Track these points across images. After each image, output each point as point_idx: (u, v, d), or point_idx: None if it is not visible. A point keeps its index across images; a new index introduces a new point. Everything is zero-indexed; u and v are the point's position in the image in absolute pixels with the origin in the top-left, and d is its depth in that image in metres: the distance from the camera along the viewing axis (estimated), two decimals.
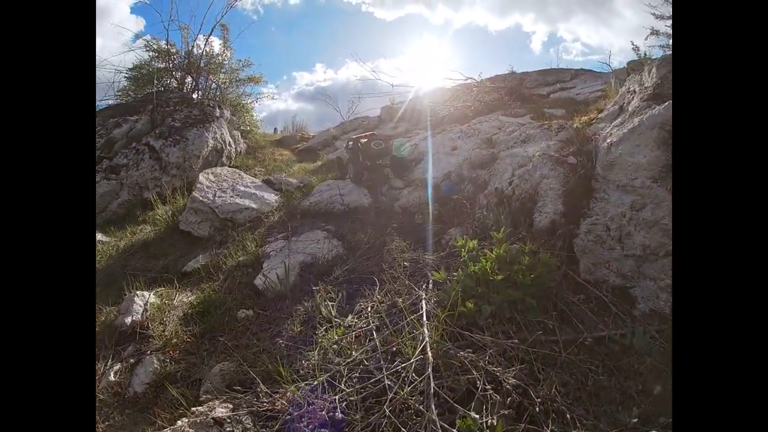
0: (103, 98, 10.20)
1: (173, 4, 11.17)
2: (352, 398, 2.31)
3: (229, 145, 8.86)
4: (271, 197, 6.02)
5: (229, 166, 8.66)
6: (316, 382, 2.43)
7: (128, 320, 3.68)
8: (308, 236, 4.69)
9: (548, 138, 5.49)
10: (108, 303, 4.29)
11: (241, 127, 10.50)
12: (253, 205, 5.65)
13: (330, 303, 3.36)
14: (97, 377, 3.34)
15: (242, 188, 6.08)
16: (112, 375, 3.29)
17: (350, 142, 6.87)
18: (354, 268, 3.98)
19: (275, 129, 15.41)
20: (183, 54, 10.67)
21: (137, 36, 10.94)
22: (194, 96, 10.27)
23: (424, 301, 3.15)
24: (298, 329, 3.19)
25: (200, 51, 10.60)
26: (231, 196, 5.78)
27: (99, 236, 6.31)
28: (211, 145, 8.23)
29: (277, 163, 9.49)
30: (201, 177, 6.04)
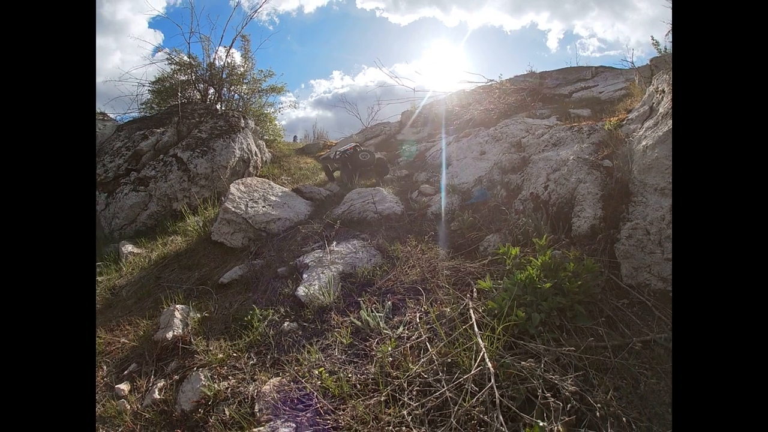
0: (128, 111, 10.35)
1: (194, 16, 11.29)
2: (416, 412, 2.30)
3: (255, 154, 8.92)
4: (303, 206, 6.04)
5: (257, 176, 8.74)
6: (381, 398, 2.42)
7: (169, 335, 3.68)
8: (345, 246, 4.69)
9: (580, 141, 5.46)
10: (145, 316, 4.32)
11: (265, 137, 10.59)
12: (286, 215, 5.67)
13: (377, 314, 3.35)
14: (140, 394, 3.34)
15: (273, 198, 6.10)
16: (156, 392, 3.25)
17: (337, 154, 7.97)
18: (396, 277, 3.96)
19: (295, 137, 15.54)
20: (205, 66, 10.80)
21: (158, 49, 11.02)
22: (218, 107, 10.36)
23: (472, 311, 3.13)
24: (348, 341, 3.17)
25: (222, 62, 10.76)
26: (263, 206, 5.80)
27: (130, 247, 6.37)
28: (237, 155, 8.29)
29: (303, 171, 9.54)
30: (232, 188, 6.07)
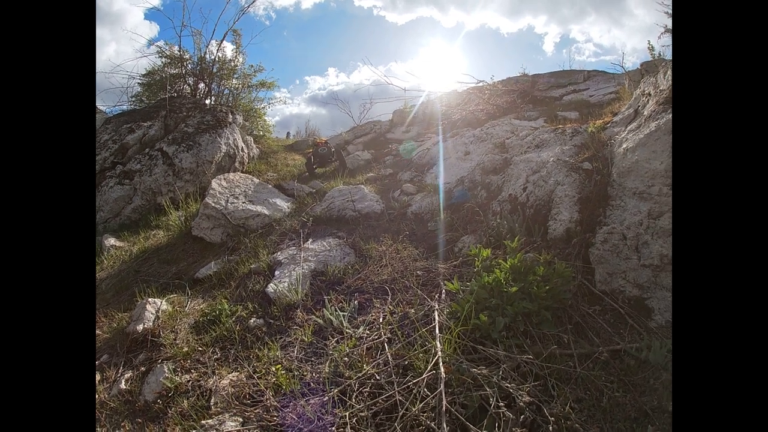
0: (117, 104, 10.30)
1: (185, 10, 11.19)
2: (362, 414, 2.28)
3: (242, 150, 8.88)
4: (284, 203, 6.01)
5: (242, 171, 8.71)
6: (326, 397, 2.40)
7: (140, 327, 3.67)
8: (320, 243, 4.67)
9: (562, 143, 5.43)
10: (120, 309, 4.31)
11: (254, 132, 10.55)
12: (266, 212, 5.64)
13: (341, 313, 3.33)
14: (108, 384, 3.34)
15: (254, 194, 6.07)
16: (123, 383, 3.28)
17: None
18: (366, 276, 3.94)
19: (288, 133, 15.49)
20: (196, 60, 10.78)
21: (150, 42, 10.97)
22: (207, 102, 10.34)
23: (436, 313, 3.11)
24: (309, 339, 3.16)
25: (213, 57, 10.73)
26: (243, 202, 5.78)
27: (112, 240, 6.34)
28: (224, 150, 8.25)
29: (290, 168, 9.51)
30: (214, 183, 6.04)
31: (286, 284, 3.88)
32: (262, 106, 11.46)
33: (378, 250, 4.42)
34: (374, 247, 4.49)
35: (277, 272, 4.20)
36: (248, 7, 10.63)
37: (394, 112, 12.73)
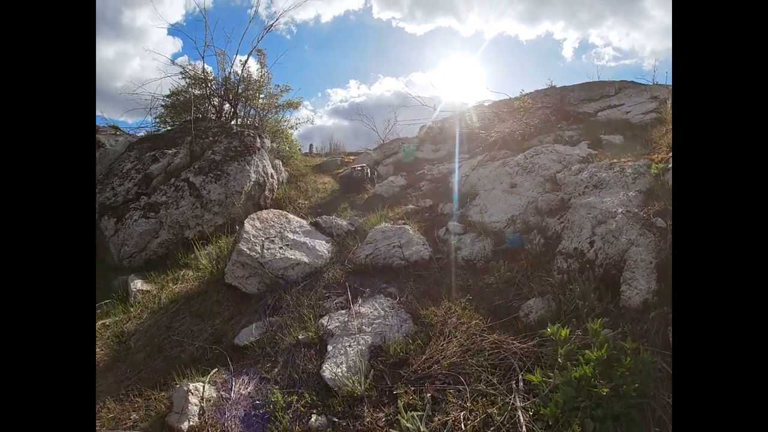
0: (141, 125, 10.09)
1: (207, 30, 10.97)
2: None
3: (272, 177, 8.54)
4: (323, 246, 5.65)
5: (272, 199, 8.41)
6: None
7: (185, 425, 3.25)
8: (371, 305, 4.32)
9: (625, 186, 5.03)
10: (156, 385, 3.92)
11: (280, 152, 10.22)
12: (305, 259, 5.28)
13: (416, 413, 2.97)
14: None
15: (291, 236, 5.72)
16: None
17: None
18: (432, 355, 3.57)
19: (311, 146, 15.18)
20: (220, 80, 10.49)
21: (172, 62, 10.71)
22: (233, 123, 10.05)
23: (520, 413, 2.78)
24: None
25: (237, 77, 10.41)
26: (280, 247, 5.42)
27: (139, 284, 6.02)
28: (253, 179, 7.92)
29: (320, 193, 9.18)
30: (247, 225, 5.69)
31: (344, 368, 3.51)
32: (290, 125, 11.10)
33: (437, 315, 4.06)
34: (432, 311, 4.13)
35: (329, 347, 3.83)
36: (272, 26, 10.31)
37: (420, 129, 12.36)
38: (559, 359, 3.09)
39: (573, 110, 10.30)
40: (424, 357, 3.57)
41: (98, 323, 5.27)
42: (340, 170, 10.78)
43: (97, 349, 4.80)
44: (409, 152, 10.98)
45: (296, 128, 11.41)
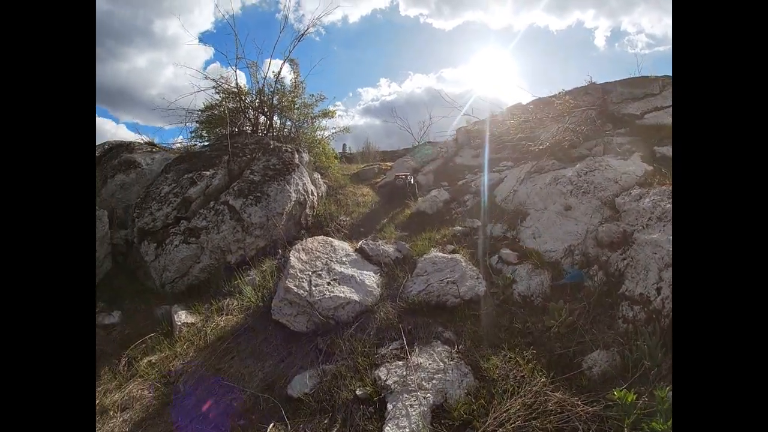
0: (177, 134, 10.16)
1: (238, 42, 10.79)
2: None
3: (312, 194, 8.35)
4: (372, 280, 5.42)
5: (313, 216, 8.23)
6: None
7: None
8: (428, 354, 4.09)
9: None
10: None
11: (318, 164, 10.02)
12: (355, 297, 5.05)
13: None
14: None
15: (338, 267, 5.50)
16: None
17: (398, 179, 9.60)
18: (496, 419, 3.32)
19: (344, 145, 14.98)
20: (254, 93, 10.36)
21: (205, 75, 10.64)
22: (269, 135, 9.90)
23: None
24: None
25: (271, 89, 10.29)
26: (328, 282, 5.21)
27: (183, 316, 5.89)
28: (294, 198, 7.73)
29: (361, 208, 8.96)
30: (292, 258, 5.50)
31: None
32: (327, 134, 10.91)
33: (498, 368, 3.82)
34: (494, 363, 3.89)
35: (389, 405, 3.62)
36: (302, 35, 10.09)
37: (457, 131, 12.01)
38: (625, 429, 2.95)
39: (617, 111, 9.81)
40: (488, 420, 3.32)
41: (144, 360, 5.17)
42: (378, 179, 10.55)
43: (145, 391, 4.70)
44: (425, 153, 11.38)
45: (333, 138, 11.21)
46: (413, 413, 3.48)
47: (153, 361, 5.16)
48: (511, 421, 3.26)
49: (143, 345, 5.46)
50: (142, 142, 10.01)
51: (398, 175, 9.62)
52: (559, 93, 10.14)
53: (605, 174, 6.25)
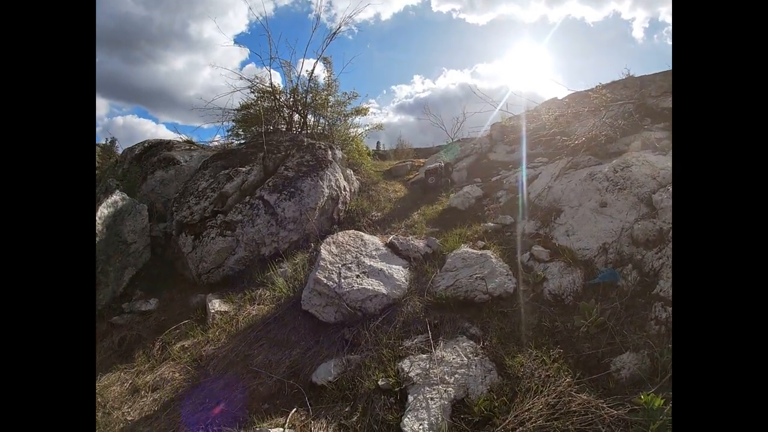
0: (215, 131, 10.46)
1: (271, 43, 10.97)
2: None
3: (344, 189, 8.45)
4: (400, 274, 5.46)
5: (345, 212, 8.31)
6: None
7: None
8: (453, 349, 4.10)
9: None
10: (235, 423, 3.91)
11: (351, 160, 10.13)
12: (383, 290, 5.10)
13: None
14: None
15: (368, 261, 5.56)
16: None
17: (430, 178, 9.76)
18: (517, 417, 3.30)
19: (378, 143, 15.05)
20: (288, 92, 10.54)
21: (240, 76, 10.93)
22: (303, 132, 10.06)
23: None
24: None
25: (305, 88, 10.46)
26: (357, 275, 5.28)
27: (217, 305, 6.06)
28: (326, 194, 7.84)
29: (392, 203, 9.00)
30: (323, 250, 5.59)
31: (425, 424, 3.33)
32: (360, 131, 11.02)
33: (524, 366, 3.79)
34: (519, 360, 3.86)
35: (410, 397, 3.65)
36: (334, 34, 10.24)
37: (492, 126, 11.90)
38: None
39: (655, 104, 9.53)
40: (509, 418, 3.30)
41: (177, 345, 5.35)
42: (411, 175, 10.56)
43: (176, 373, 4.87)
44: (452, 152, 11.41)
45: (366, 135, 11.30)
46: (433, 406, 3.50)
47: (186, 345, 5.34)
48: (531, 420, 3.23)
49: (177, 331, 5.66)
50: (180, 140, 10.34)
51: (429, 170, 9.59)
52: (596, 87, 9.93)
53: (643, 170, 6.10)
